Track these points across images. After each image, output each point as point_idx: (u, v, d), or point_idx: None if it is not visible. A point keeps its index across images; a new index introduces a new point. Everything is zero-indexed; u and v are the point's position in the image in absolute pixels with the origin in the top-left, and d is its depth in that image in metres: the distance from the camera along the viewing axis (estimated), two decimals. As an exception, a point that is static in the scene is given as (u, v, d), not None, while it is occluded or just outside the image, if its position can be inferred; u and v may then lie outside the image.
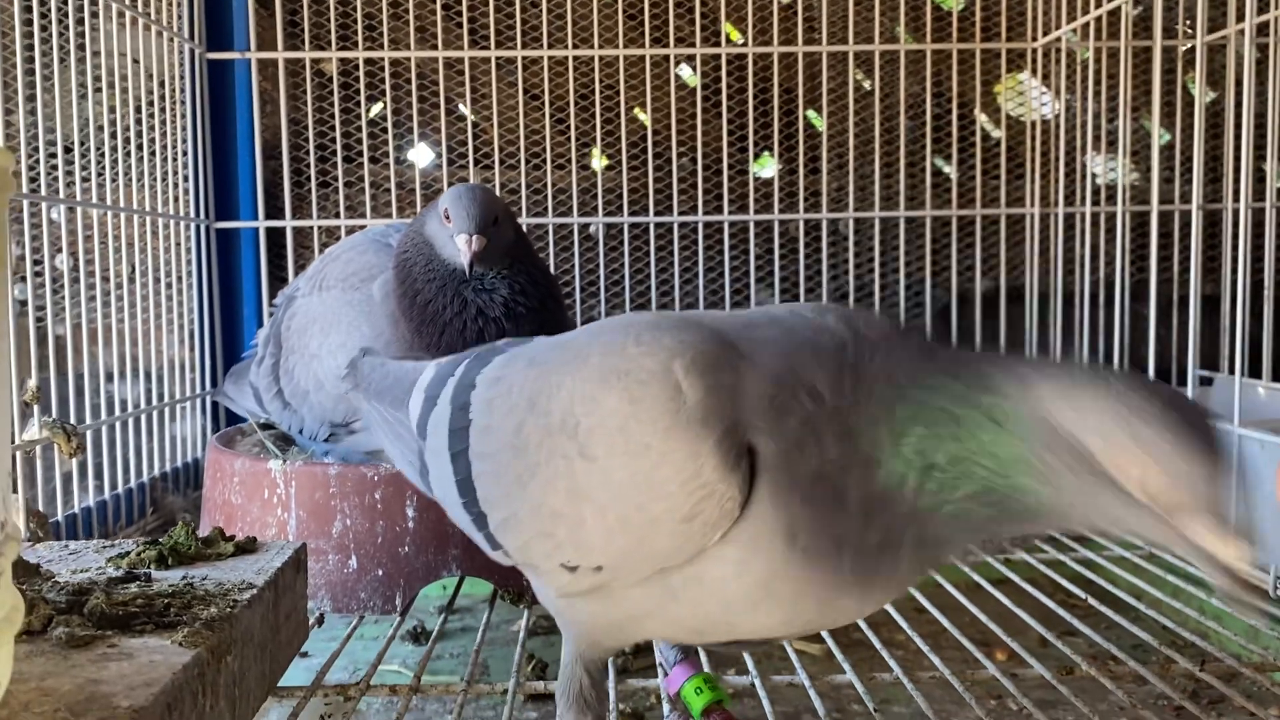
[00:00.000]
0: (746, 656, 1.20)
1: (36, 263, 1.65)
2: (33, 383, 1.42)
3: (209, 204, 2.10)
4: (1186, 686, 1.26)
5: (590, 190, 2.21)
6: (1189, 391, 1.60)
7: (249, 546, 1.05)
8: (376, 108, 2.21)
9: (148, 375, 1.86)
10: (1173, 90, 2.21)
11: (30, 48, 1.49)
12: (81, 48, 1.66)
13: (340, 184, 2.18)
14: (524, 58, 2.17)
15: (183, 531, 1.03)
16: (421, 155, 2.25)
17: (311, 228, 2.15)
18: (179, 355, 1.97)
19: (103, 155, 1.76)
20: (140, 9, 1.84)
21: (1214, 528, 0.61)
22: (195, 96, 2.05)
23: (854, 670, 1.15)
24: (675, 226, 2.19)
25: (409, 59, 2.15)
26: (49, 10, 1.56)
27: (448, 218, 1.37)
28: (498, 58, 2.16)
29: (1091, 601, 1.43)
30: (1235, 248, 1.64)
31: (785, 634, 0.81)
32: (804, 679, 1.13)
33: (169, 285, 1.94)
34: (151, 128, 1.90)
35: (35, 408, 1.41)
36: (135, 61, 1.85)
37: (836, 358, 0.72)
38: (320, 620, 1.30)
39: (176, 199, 1.98)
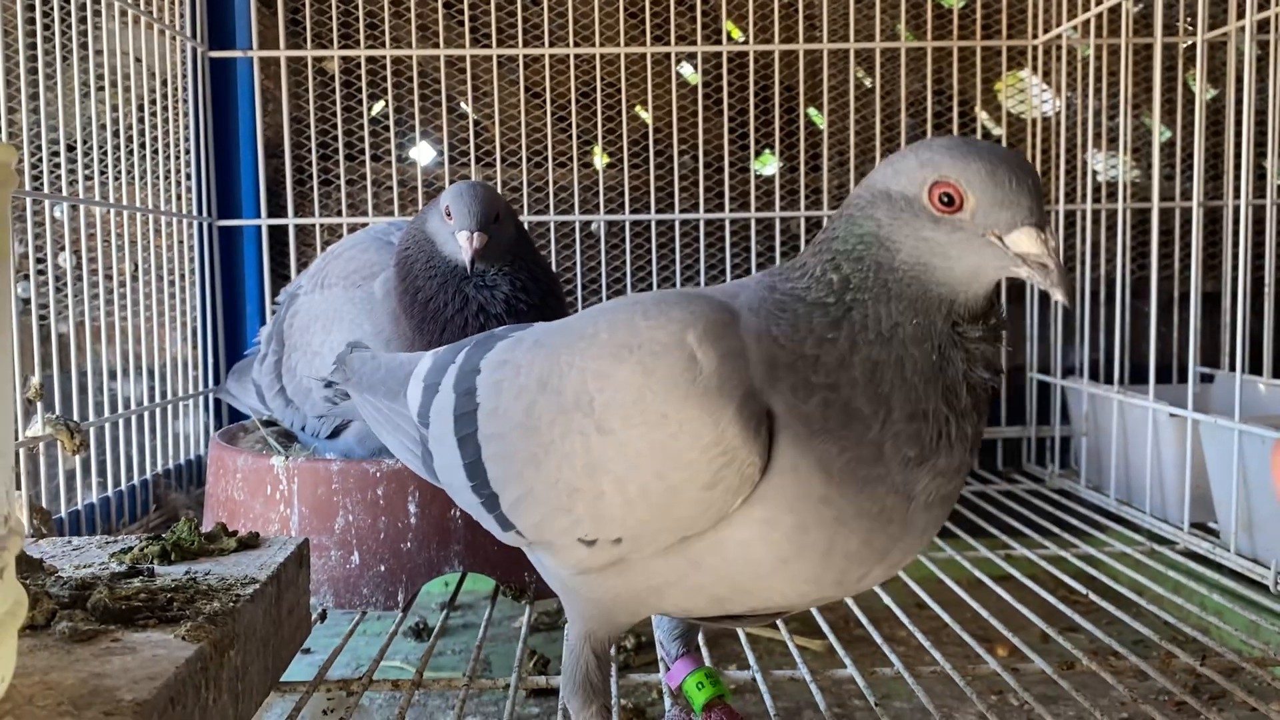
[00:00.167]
0: (748, 651, 1.21)
1: (39, 260, 1.66)
2: (36, 380, 1.43)
3: (211, 202, 2.10)
4: (1187, 682, 1.26)
5: (592, 188, 2.21)
6: (1189, 388, 1.61)
7: (251, 542, 1.05)
8: (378, 106, 2.21)
9: (150, 372, 1.86)
10: (1173, 87, 2.21)
11: (33, 46, 1.49)
12: (84, 46, 1.66)
13: (342, 182, 2.18)
14: (526, 56, 2.18)
15: (186, 527, 1.03)
16: (423, 153, 2.25)
17: (313, 225, 2.15)
18: (182, 352, 1.97)
19: (105, 153, 1.76)
20: (143, 7, 1.84)
21: (1029, 234, 0.71)
22: (197, 95, 2.06)
23: (855, 665, 1.15)
24: (677, 224, 2.20)
25: (411, 57, 2.15)
26: (52, 9, 1.56)
27: (449, 215, 1.37)
28: (499, 56, 2.16)
29: (1093, 597, 1.43)
30: (1236, 244, 1.65)
31: (808, 599, 0.81)
32: (805, 674, 1.13)
33: (172, 283, 1.94)
34: (154, 126, 1.91)
35: (38, 405, 1.41)
36: (138, 60, 1.85)
37: (777, 301, 0.77)
38: (323, 616, 1.30)
39: (179, 197, 1.99)
